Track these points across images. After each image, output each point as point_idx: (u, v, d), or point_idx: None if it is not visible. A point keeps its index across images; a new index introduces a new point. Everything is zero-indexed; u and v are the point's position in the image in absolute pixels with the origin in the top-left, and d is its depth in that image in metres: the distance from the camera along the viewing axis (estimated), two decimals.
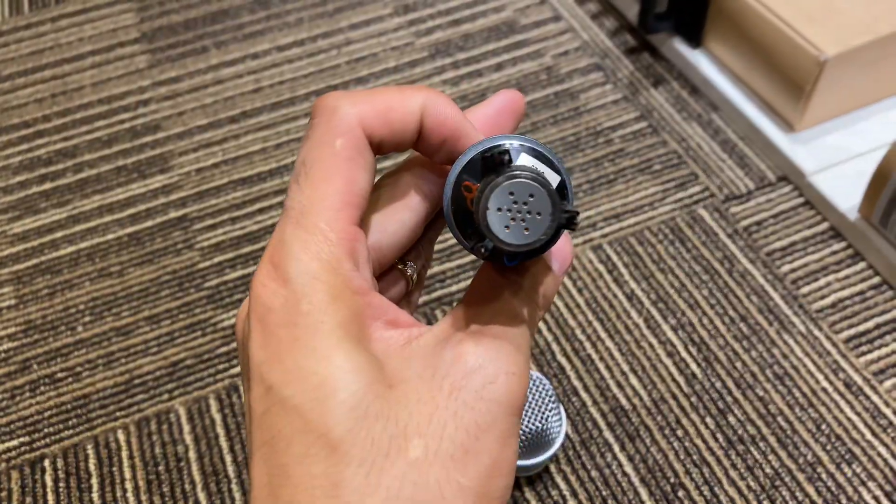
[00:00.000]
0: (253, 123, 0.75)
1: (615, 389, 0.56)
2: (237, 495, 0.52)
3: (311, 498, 0.19)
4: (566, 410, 0.55)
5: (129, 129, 0.75)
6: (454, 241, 0.64)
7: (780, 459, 0.52)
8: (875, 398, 0.54)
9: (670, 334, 0.58)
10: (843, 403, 0.54)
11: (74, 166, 0.73)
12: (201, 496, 0.53)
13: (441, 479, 0.19)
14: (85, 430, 0.56)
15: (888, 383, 0.55)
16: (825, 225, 0.64)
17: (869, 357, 0.56)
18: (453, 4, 0.85)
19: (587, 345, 0.58)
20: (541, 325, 0.59)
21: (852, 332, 0.57)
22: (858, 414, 0.54)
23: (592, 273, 0.62)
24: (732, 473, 0.52)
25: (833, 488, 0.51)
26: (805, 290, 0.60)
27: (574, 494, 0.51)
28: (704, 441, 0.53)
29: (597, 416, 0.54)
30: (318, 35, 0.83)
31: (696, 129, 0.71)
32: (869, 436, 0.53)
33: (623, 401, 0.55)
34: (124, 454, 0.55)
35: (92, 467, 0.54)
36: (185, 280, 0.64)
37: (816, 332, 0.57)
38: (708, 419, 0.54)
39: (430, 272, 0.63)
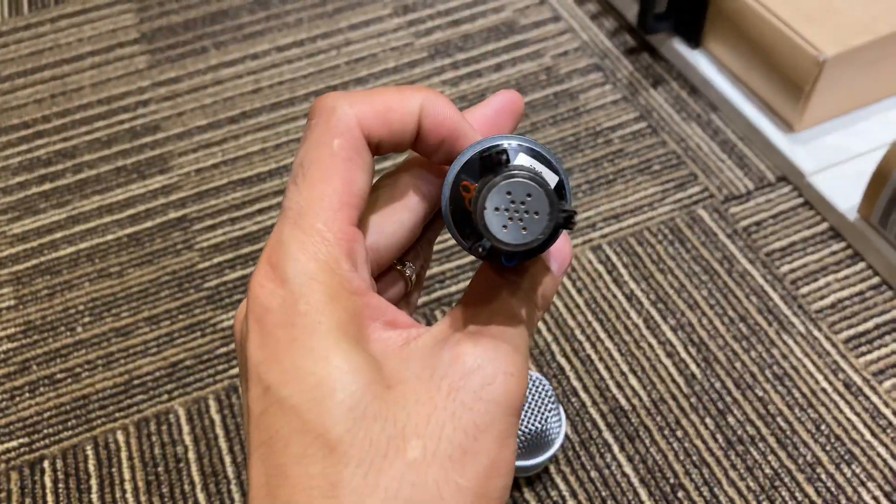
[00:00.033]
0: (252, 124, 0.75)
1: (615, 390, 0.56)
2: (237, 496, 0.52)
3: (308, 498, 0.19)
4: (566, 411, 0.55)
5: (128, 130, 0.75)
6: (453, 241, 0.64)
7: (780, 460, 0.52)
8: (874, 398, 0.54)
9: (670, 335, 0.58)
10: (842, 404, 0.54)
11: (74, 167, 0.73)
12: (201, 497, 0.52)
13: (439, 480, 0.19)
14: (84, 430, 0.56)
15: (887, 384, 0.55)
16: (825, 225, 0.64)
17: (868, 357, 0.56)
18: (453, 5, 0.85)
19: (587, 345, 0.58)
20: (540, 325, 0.59)
21: (852, 332, 0.57)
22: (858, 414, 0.54)
23: (592, 273, 0.62)
24: (732, 474, 0.52)
25: (833, 489, 0.51)
26: (804, 290, 0.60)
27: (574, 495, 0.51)
28: (704, 441, 0.53)
29: (596, 416, 0.54)
30: (318, 35, 0.83)
31: (696, 129, 0.71)
32: (868, 436, 0.53)
33: (623, 401, 0.55)
34: (123, 455, 0.55)
35: (91, 468, 0.54)
36: (185, 281, 0.64)
37: (816, 333, 0.57)
38: (707, 420, 0.54)
39: (429, 273, 0.63)
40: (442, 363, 0.21)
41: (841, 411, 0.54)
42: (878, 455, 0.52)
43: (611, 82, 0.76)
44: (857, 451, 0.52)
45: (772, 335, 0.57)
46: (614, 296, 0.60)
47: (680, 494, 0.51)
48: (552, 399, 0.48)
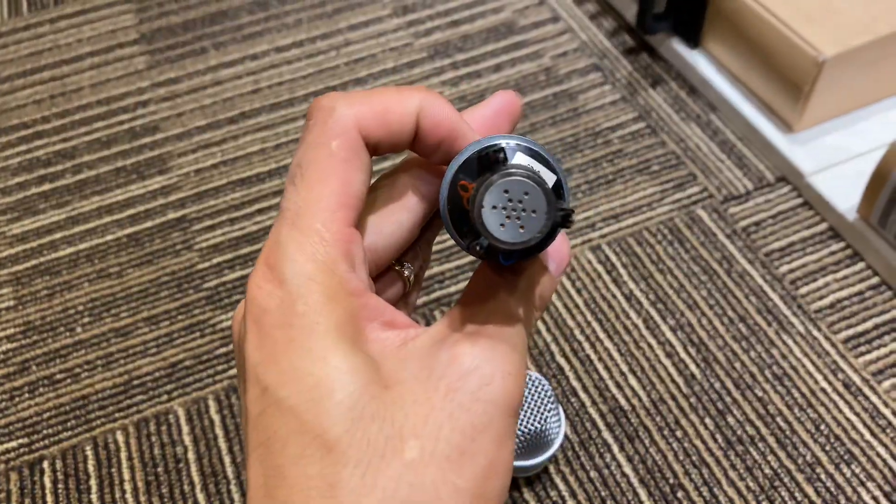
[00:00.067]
0: (252, 124, 0.75)
1: (614, 390, 0.56)
2: (236, 496, 0.52)
3: (306, 499, 0.19)
4: (565, 411, 0.55)
5: (128, 131, 0.75)
6: (452, 242, 0.64)
7: (780, 460, 0.52)
8: (874, 398, 0.54)
9: (669, 335, 0.58)
10: (841, 404, 0.54)
11: (73, 167, 0.73)
12: (200, 497, 0.52)
13: (437, 480, 0.19)
14: (84, 431, 0.56)
15: (887, 383, 0.55)
16: (824, 225, 0.64)
17: (868, 357, 0.56)
18: (452, 5, 0.85)
19: (586, 345, 0.58)
20: (539, 325, 0.59)
21: (851, 332, 0.57)
22: (857, 414, 0.54)
23: (591, 273, 0.62)
24: (732, 474, 0.52)
25: (832, 489, 0.51)
26: (804, 290, 0.60)
27: (573, 495, 0.51)
28: (703, 442, 0.53)
29: (596, 416, 0.54)
30: (317, 36, 0.83)
31: (695, 129, 0.71)
32: (868, 436, 0.53)
33: (622, 401, 0.55)
34: (123, 455, 0.55)
35: (91, 468, 0.54)
36: (184, 281, 0.64)
37: (815, 333, 0.57)
38: (707, 420, 0.54)
39: (428, 273, 0.63)
40: (440, 363, 0.21)
41: (840, 411, 0.54)
42: (878, 455, 0.52)
43: (610, 82, 0.76)
44: (856, 450, 0.52)
45: (771, 335, 0.57)
46: (613, 296, 0.60)
47: (679, 494, 0.51)
48: (551, 399, 0.48)
